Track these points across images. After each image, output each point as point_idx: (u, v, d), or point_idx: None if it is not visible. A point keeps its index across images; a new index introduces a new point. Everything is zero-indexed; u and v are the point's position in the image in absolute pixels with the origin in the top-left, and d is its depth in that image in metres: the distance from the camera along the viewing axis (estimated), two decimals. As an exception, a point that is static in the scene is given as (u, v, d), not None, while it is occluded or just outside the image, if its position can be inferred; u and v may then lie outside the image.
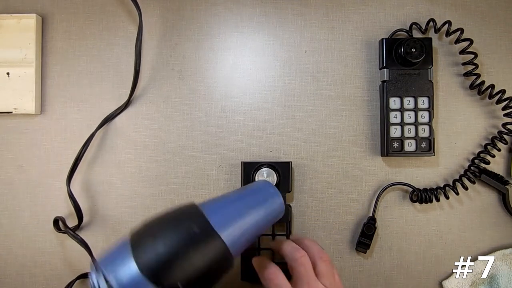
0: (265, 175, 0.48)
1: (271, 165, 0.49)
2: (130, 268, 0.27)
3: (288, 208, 0.49)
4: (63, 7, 0.53)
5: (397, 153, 0.50)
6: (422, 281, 0.51)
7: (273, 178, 0.48)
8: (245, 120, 0.52)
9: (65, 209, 0.52)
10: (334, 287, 0.39)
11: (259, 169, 0.48)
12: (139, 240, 0.29)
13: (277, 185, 0.48)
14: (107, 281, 0.27)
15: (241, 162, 0.49)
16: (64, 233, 0.49)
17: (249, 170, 0.49)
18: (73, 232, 0.48)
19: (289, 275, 0.40)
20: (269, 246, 0.48)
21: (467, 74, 0.51)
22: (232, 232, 0.33)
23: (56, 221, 0.50)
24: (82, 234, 0.49)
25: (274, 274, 0.39)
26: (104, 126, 0.52)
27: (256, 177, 0.48)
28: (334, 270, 0.40)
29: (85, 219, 0.51)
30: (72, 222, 0.51)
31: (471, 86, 0.50)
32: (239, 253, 0.35)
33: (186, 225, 0.30)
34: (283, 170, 0.49)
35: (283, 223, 0.50)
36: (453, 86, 0.52)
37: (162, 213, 0.32)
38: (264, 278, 0.40)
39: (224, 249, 0.31)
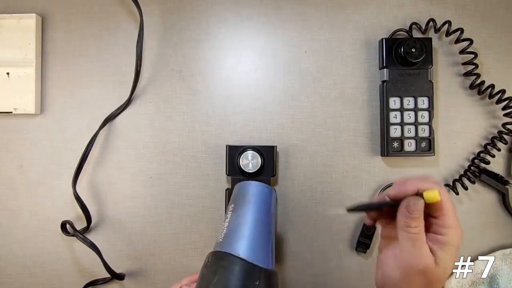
0: (249, 158, 0.48)
1: (256, 149, 0.49)
2: None
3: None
4: (63, 7, 0.53)
5: (397, 153, 0.50)
6: (422, 281, 0.51)
7: (257, 161, 0.48)
8: (245, 120, 0.52)
9: (65, 209, 0.52)
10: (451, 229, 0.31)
11: (244, 152, 0.48)
12: None
13: (261, 168, 0.48)
14: None
15: (226, 145, 0.49)
16: (72, 236, 0.49)
17: (233, 153, 0.49)
18: (83, 236, 0.48)
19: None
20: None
21: (467, 74, 0.51)
22: (272, 256, 0.35)
23: (63, 225, 0.49)
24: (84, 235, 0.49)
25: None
26: (104, 127, 0.52)
27: (241, 160, 0.48)
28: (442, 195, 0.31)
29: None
30: (76, 224, 0.51)
31: (471, 86, 0.50)
32: None
33: (249, 285, 0.31)
34: (267, 153, 0.49)
35: None
36: (453, 86, 0.52)
37: (217, 284, 0.32)
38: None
39: (275, 274, 0.34)
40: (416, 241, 0.31)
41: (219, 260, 0.33)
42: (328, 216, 0.52)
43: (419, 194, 0.32)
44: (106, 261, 0.48)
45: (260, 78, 0.53)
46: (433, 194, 0.31)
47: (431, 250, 0.31)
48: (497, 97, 0.49)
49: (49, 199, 0.52)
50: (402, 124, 0.50)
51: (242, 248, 0.33)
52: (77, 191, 0.49)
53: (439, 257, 0.31)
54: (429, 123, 0.50)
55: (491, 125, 0.52)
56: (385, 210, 0.35)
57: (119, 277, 0.50)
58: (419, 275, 0.31)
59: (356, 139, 0.52)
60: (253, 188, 0.42)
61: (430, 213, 0.32)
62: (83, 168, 0.50)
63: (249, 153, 0.48)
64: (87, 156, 0.50)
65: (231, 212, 0.39)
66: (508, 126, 0.49)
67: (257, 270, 0.32)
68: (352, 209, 0.36)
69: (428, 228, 0.32)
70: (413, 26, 0.51)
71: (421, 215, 0.31)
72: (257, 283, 0.31)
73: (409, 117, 0.50)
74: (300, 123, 0.52)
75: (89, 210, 0.50)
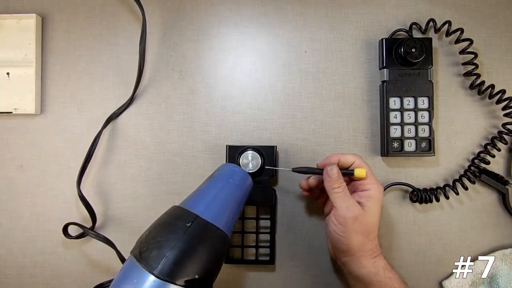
0: (249, 158, 0.48)
1: (256, 149, 0.49)
2: (149, 279, 0.30)
3: (272, 192, 0.49)
4: (63, 7, 0.53)
5: (397, 153, 0.50)
6: (422, 281, 0.51)
7: (257, 161, 0.48)
8: (245, 120, 0.52)
9: (65, 209, 0.52)
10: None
11: (244, 152, 0.48)
12: (144, 254, 0.32)
13: (261, 168, 0.48)
14: None
15: (226, 145, 0.49)
16: (77, 238, 0.49)
17: (233, 153, 0.49)
18: (95, 232, 0.47)
19: None
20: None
21: (467, 74, 0.51)
22: (217, 214, 0.37)
23: (65, 228, 0.49)
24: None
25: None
26: (106, 126, 0.51)
27: (241, 160, 0.48)
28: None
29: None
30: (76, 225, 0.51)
31: (471, 86, 0.50)
32: (231, 229, 0.39)
33: (178, 224, 0.34)
34: (267, 153, 0.49)
35: (267, 207, 0.50)
36: (453, 86, 0.52)
37: (152, 225, 0.36)
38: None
39: (217, 230, 0.35)
40: (343, 197, 0.41)
41: (166, 212, 0.37)
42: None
43: (349, 169, 0.43)
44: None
45: (260, 78, 0.53)
46: (361, 172, 0.42)
47: (360, 204, 0.41)
48: (497, 97, 0.49)
49: (49, 199, 0.52)
50: (402, 124, 0.50)
51: (186, 203, 0.38)
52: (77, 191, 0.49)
53: (367, 207, 0.41)
54: (429, 123, 0.50)
55: (491, 125, 0.52)
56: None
57: None
58: (354, 222, 0.40)
59: (356, 139, 0.52)
60: (223, 167, 0.44)
61: (356, 178, 0.43)
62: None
63: (249, 153, 0.48)
64: (91, 156, 0.50)
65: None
66: (508, 126, 0.49)
67: (190, 216, 0.35)
68: (297, 170, 0.45)
69: (355, 189, 0.43)
70: (413, 26, 0.51)
71: (340, 177, 0.41)
72: (188, 224, 0.34)
73: (409, 117, 0.50)
74: (300, 123, 0.52)
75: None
